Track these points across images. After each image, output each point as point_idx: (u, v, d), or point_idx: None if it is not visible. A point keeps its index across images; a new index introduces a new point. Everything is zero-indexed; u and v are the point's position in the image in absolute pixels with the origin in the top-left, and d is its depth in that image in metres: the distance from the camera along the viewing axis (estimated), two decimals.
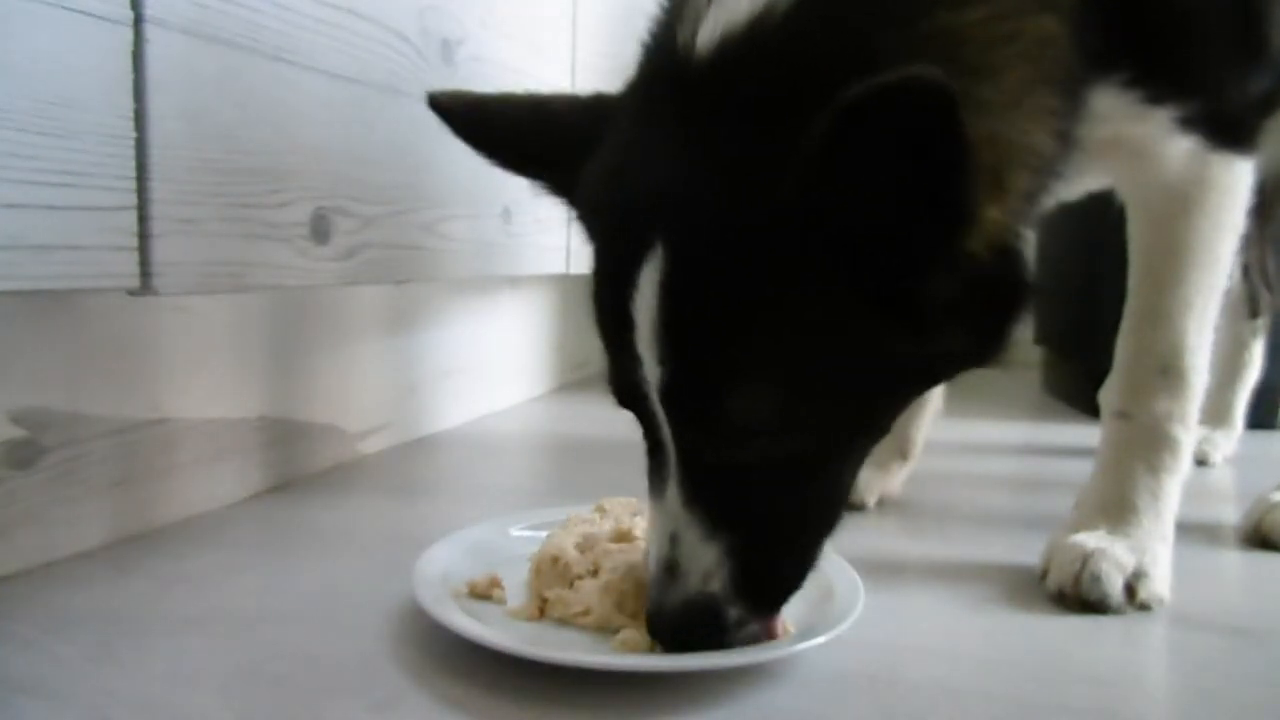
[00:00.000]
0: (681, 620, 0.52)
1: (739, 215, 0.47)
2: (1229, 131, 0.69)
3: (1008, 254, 0.51)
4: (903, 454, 0.97)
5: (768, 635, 0.54)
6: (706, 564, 0.52)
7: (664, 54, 0.53)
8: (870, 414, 0.54)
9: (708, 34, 0.49)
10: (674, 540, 0.52)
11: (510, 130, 0.63)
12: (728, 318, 0.48)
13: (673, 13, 0.54)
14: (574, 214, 0.60)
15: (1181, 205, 0.71)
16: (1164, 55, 0.66)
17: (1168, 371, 0.71)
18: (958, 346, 0.52)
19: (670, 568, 0.52)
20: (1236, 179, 0.71)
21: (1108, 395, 0.75)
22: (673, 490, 0.52)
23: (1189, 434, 0.72)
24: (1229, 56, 0.68)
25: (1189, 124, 0.67)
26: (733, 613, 0.52)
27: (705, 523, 0.51)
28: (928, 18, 0.49)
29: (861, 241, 0.46)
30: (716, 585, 0.52)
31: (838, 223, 0.45)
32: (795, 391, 0.49)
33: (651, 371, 0.50)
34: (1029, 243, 0.56)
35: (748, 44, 0.48)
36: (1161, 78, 0.66)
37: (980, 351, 0.53)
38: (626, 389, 0.53)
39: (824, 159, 0.43)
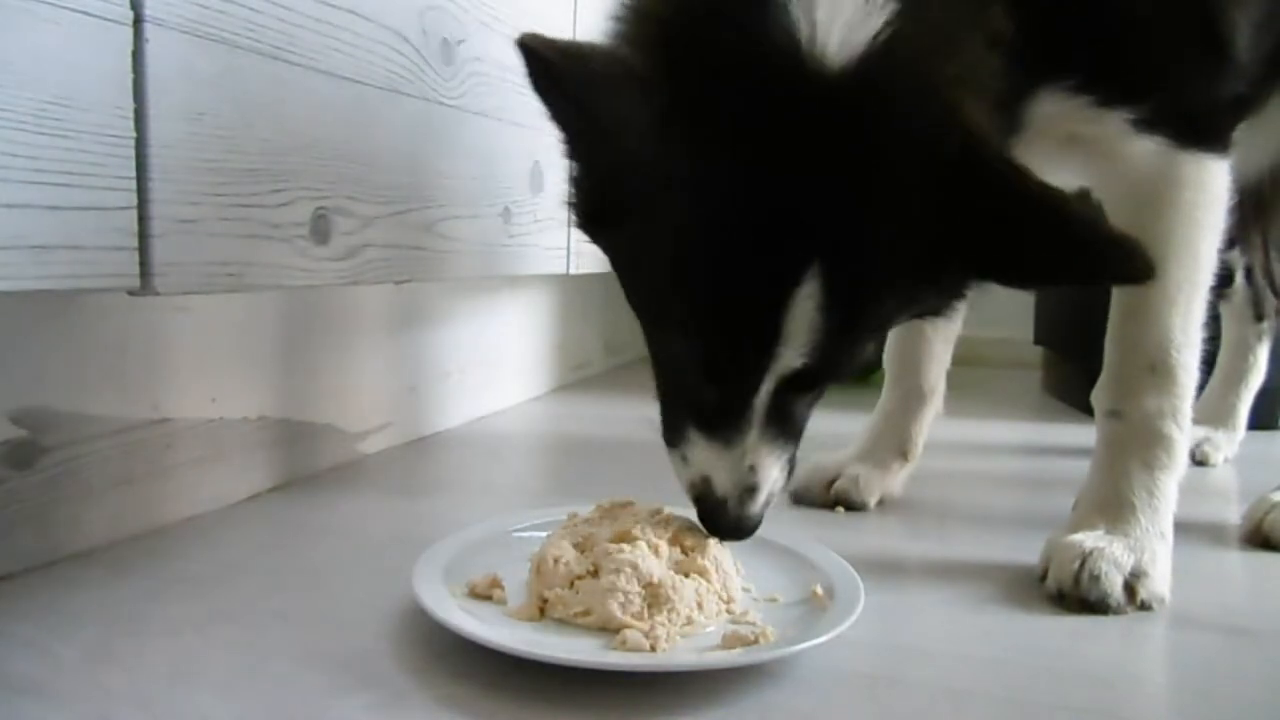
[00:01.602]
0: (759, 521, 0.63)
1: (887, 243, 0.55)
2: (1195, 132, 0.70)
3: None
4: (904, 454, 0.97)
5: None
6: (776, 481, 0.63)
7: (780, 55, 0.53)
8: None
9: (836, 45, 0.52)
10: (752, 470, 0.61)
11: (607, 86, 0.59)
12: (863, 320, 0.59)
13: (791, 6, 0.53)
14: (613, 188, 0.60)
15: (1155, 204, 0.71)
16: (1110, 60, 0.67)
17: (1156, 369, 0.72)
18: (936, 305, 0.66)
19: (749, 489, 0.62)
20: (1210, 178, 0.71)
21: (1099, 395, 0.75)
22: (753, 436, 0.61)
23: (1182, 431, 0.72)
24: (1184, 58, 0.68)
25: (1147, 125, 0.68)
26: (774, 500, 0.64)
27: (776, 450, 0.62)
28: (958, 61, 0.57)
29: (927, 235, 0.55)
30: (779, 486, 0.64)
31: (930, 235, 0.55)
32: (873, 345, 0.65)
33: (786, 363, 0.57)
34: None
35: (879, 66, 0.53)
36: (1109, 82, 0.67)
37: (942, 309, 0.67)
38: (734, 372, 0.59)
39: (951, 200, 0.53)
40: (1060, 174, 0.79)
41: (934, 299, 0.64)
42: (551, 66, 0.57)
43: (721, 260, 0.56)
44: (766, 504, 0.63)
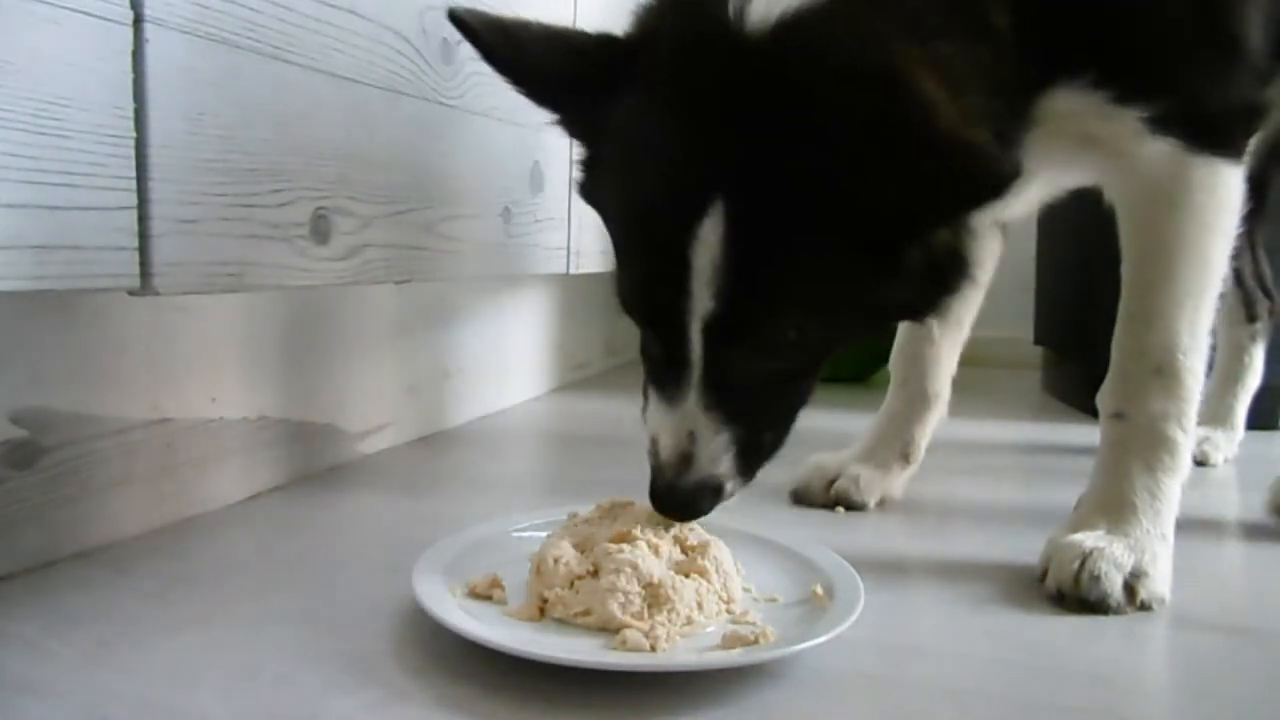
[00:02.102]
0: (693, 496, 0.63)
1: (787, 185, 0.57)
2: (1209, 136, 0.70)
3: (966, 234, 0.64)
4: (905, 457, 0.97)
5: None
6: (715, 452, 0.63)
7: (709, 21, 0.59)
8: (846, 337, 0.70)
9: (760, 13, 0.57)
10: (691, 436, 0.62)
11: (536, 57, 0.65)
12: (774, 261, 0.58)
13: None
14: (594, 154, 0.68)
15: (1165, 206, 0.71)
16: (1127, 56, 0.67)
17: (1162, 371, 0.71)
18: (913, 299, 0.65)
19: (685, 457, 0.63)
20: (1222, 182, 0.71)
21: (1104, 396, 0.75)
22: (693, 397, 0.62)
23: (1186, 434, 0.72)
24: (1197, 58, 0.68)
25: (1160, 125, 0.68)
26: (729, 486, 0.64)
27: (718, 421, 0.63)
28: (924, 47, 0.58)
29: (868, 204, 0.56)
30: (722, 468, 0.63)
31: (852, 187, 0.55)
32: (813, 317, 0.61)
33: (701, 304, 0.59)
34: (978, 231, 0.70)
35: (795, 32, 0.56)
36: (1126, 78, 0.67)
37: (924, 306, 0.67)
38: (660, 313, 0.62)
39: (837, 140, 0.54)
40: (1074, 174, 0.79)
41: (885, 279, 0.61)
42: (478, 39, 0.64)
43: (641, 197, 0.62)
44: (711, 489, 0.63)
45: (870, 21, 0.57)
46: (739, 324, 0.59)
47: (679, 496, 0.63)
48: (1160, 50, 0.68)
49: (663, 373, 0.64)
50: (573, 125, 0.69)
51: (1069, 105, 0.67)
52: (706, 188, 0.57)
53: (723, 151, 0.57)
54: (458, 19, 0.64)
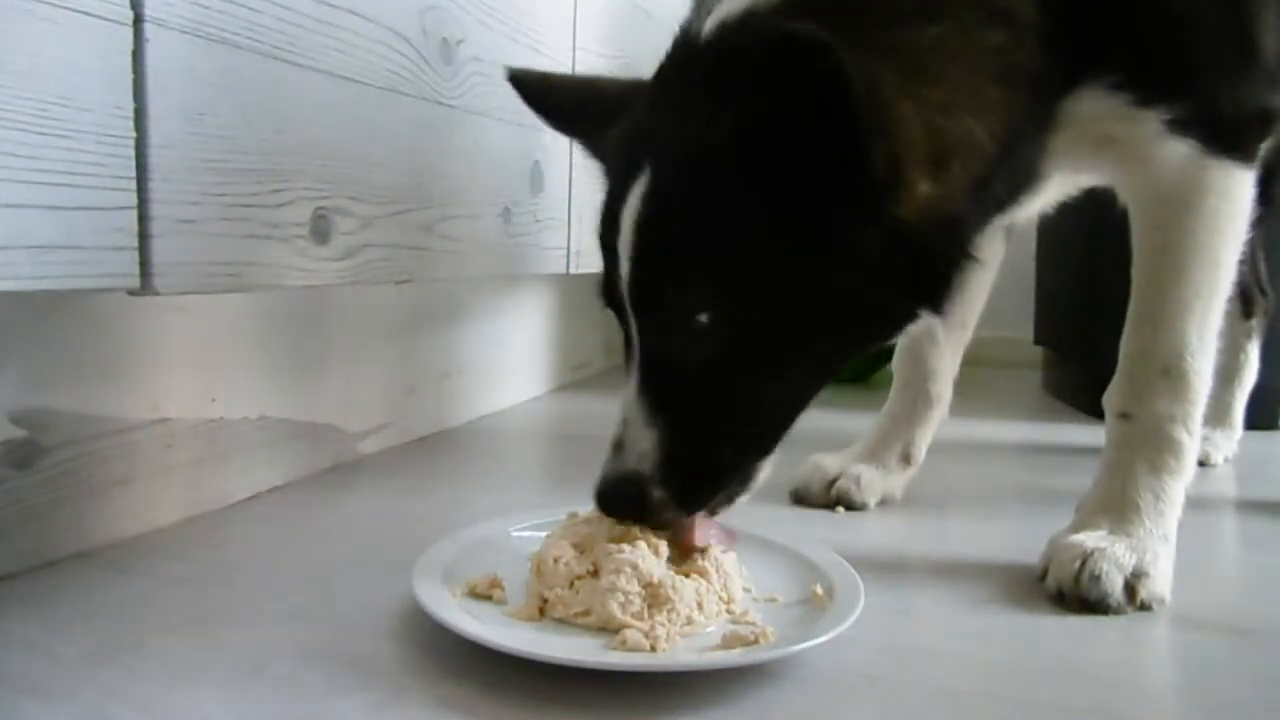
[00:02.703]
0: (613, 489, 0.62)
1: (699, 149, 0.58)
2: (1225, 139, 0.70)
3: (944, 228, 0.60)
4: (906, 458, 0.97)
5: (685, 540, 0.62)
6: (642, 446, 0.61)
7: (680, 40, 0.65)
8: (801, 345, 0.62)
9: (711, 23, 0.61)
10: (625, 423, 0.62)
11: (567, 101, 0.76)
12: (681, 226, 0.59)
13: (696, 8, 0.65)
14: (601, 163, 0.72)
15: (1179, 208, 0.71)
16: (1153, 58, 0.67)
17: (1169, 373, 0.71)
18: (886, 299, 0.61)
19: (618, 445, 0.62)
20: (1235, 185, 0.71)
21: (1111, 396, 0.75)
22: (632, 379, 0.62)
23: (1192, 436, 0.72)
24: (1220, 60, 0.69)
25: (1180, 127, 0.68)
26: (656, 494, 0.61)
27: (648, 410, 0.61)
28: (888, 31, 0.58)
29: (783, 178, 0.56)
30: (647, 466, 0.61)
31: (761, 160, 0.56)
32: (726, 297, 0.59)
33: (625, 269, 0.60)
34: (986, 228, 0.67)
35: (734, 31, 0.59)
36: (1150, 80, 0.67)
37: (908, 309, 0.62)
38: (609, 288, 0.63)
39: (740, 105, 0.55)
40: (1089, 175, 0.79)
41: (833, 267, 0.58)
42: (524, 88, 0.76)
43: (605, 189, 0.65)
44: (631, 484, 0.61)
45: (806, 10, 0.57)
46: (648, 290, 0.60)
47: (603, 485, 0.62)
48: (1188, 53, 0.68)
49: (625, 356, 0.65)
50: (593, 151, 0.74)
51: (1092, 107, 0.67)
52: (639, 163, 0.60)
53: (655, 131, 0.61)
54: (513, 76, 0.76)
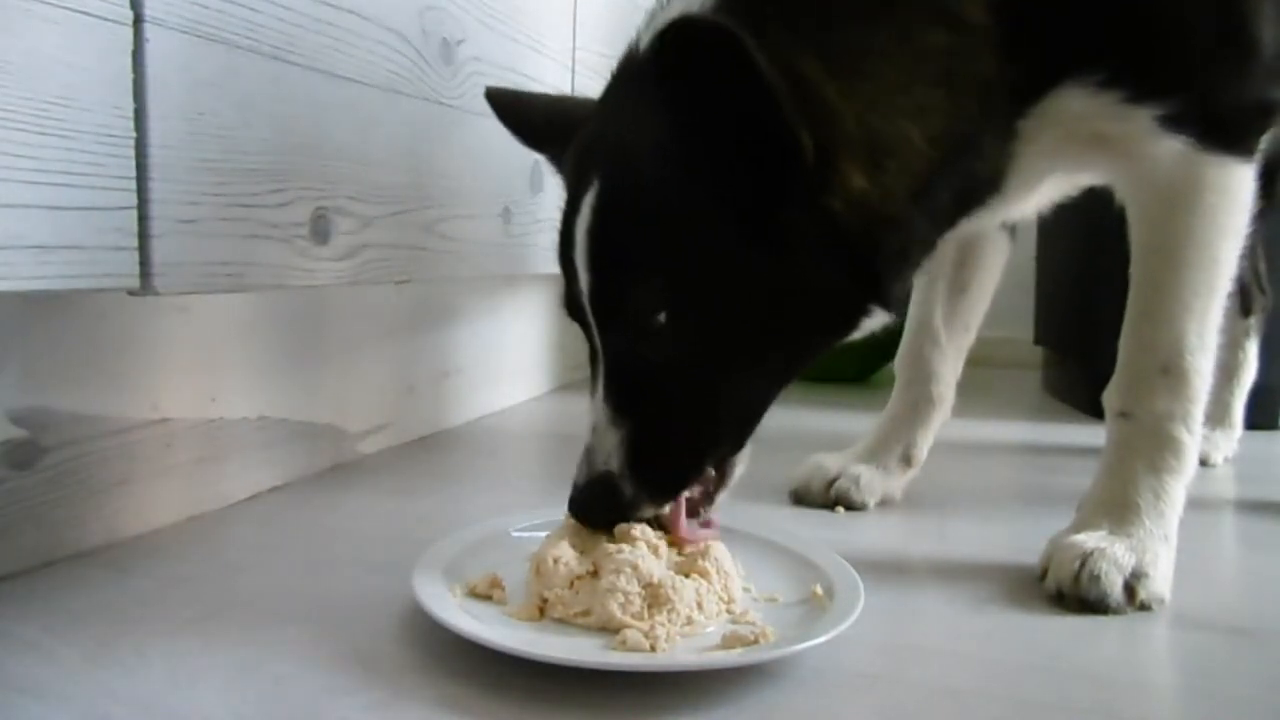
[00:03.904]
0: (584, 494, 0.63)
1: (640, 154, 0.60)
2: (1221, 134, 0.69)
3: (883, 228, 0.61)
4: (907, 460, 0.96)
5: (672, 527, 0.63)
6: (609, 447, 0.62)
7: (626, 51, 0.67)
8: (757, 339, 0.62)
9: (649, 33, 0.63)
10: (593, 429, 0.63)
11: (538, 119, 0.78)
12: (630, 231, 0.60)
13: (646, 20, 0.67)
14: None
15: (1176, 206, 0.71)
16: (1141, 55, 0.67)
17: (1169, 371, 0.71)
18: (831, 293, 0.61)
19: (588, 452, 0.63)
20: (1234, 181, 0.70)
21: (1110, 395, 0.74)
22: (599, 386, 0.63)
23: (1192, 435, 0.72)
24: (1214, 56, 0.68)
25: (1174, 123, 0.67)
26: (627, 490, 0.62)
27: (613, 413, 0.63)
28: (824, 30, 0.60)
29: (721, 174, 0.57)
30: (614, 465, 0.62)
31: (698, 158, 0.57)
32: (679, 295, 0.60)
33: (584, 279, 0.62)
34: (938, 234, 0.67)
35: (660, 34, 0.59)
36: (1139, 77, 0.67)
37: (856, 304, 0.63)
38: (571, 299, 0.65)
39: (668, 106, 0.56)
40: (1084, 174, 0.79)
41: (772, 258, 0.59)
42: (497, 106, 0.80)
43: (564, 203, 0.66)
44: (603, 486, 0.62)
45: (737, 11, 0.58)
46: (606, 296, 0.61)
47: (575, 493, 0.63)
48: (1177, 49, 0.67)
49: (590, 366, 0.66)
50: (557, 167, 0.76)
51: (1079, 105, 0.67)
52: (589, 175, 0.61)
53: (601, 142, 0.64)
54: (489, 95, 0.80)
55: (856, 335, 0.67)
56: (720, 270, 0.59)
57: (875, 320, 0.65)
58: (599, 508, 0.63)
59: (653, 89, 0.57)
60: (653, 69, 0.56)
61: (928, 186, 0.63)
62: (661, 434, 0.62)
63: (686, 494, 0.65)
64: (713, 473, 0.66)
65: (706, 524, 0.66)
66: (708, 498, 0.67)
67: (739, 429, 0.66)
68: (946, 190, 0.65)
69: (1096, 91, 0.66)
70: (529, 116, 0.79)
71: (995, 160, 0.68)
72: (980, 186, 0.69)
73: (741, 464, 0.68)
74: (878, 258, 0.61)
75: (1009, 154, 0.68)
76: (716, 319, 0.61)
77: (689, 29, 0.52)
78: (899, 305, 0.66)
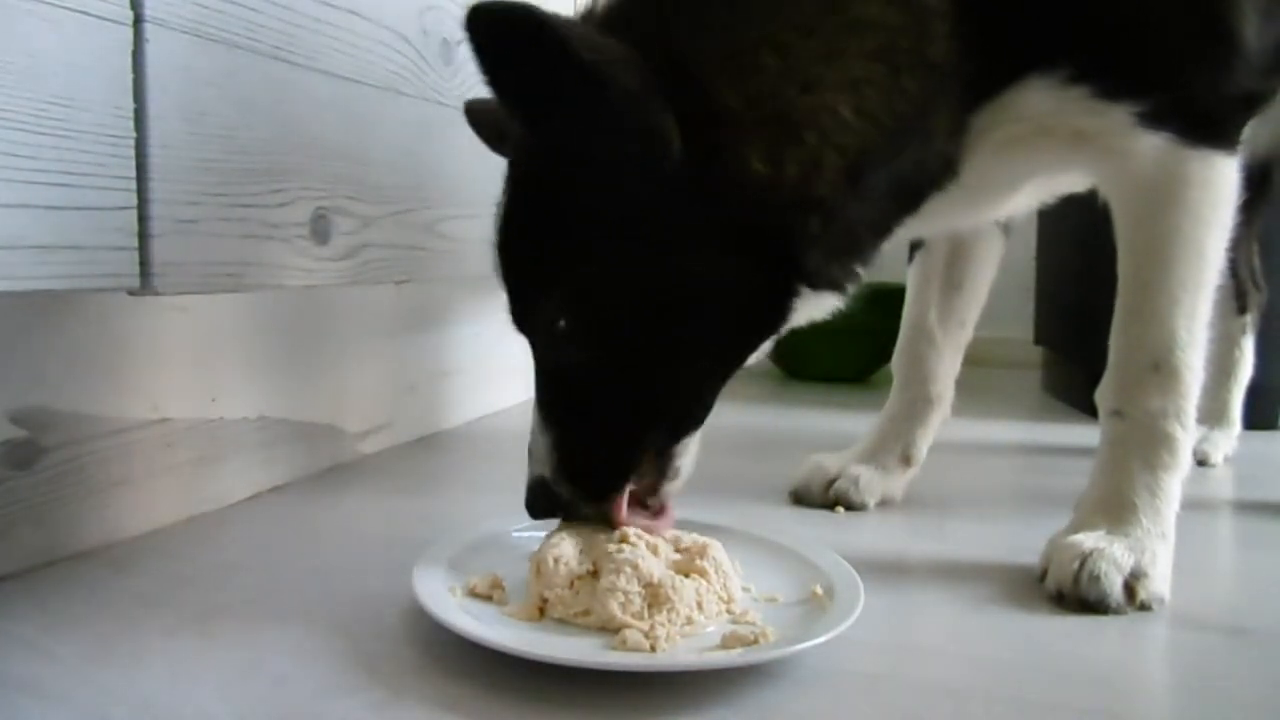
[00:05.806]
0: (528, 495, 0.65)
1: (523, 162, 0.62)
2: (1203, 128, 0.68)
3: (792, 207, 0.59)
4: (906, 460, 0.96)
5: (614, 519, 0.64)
6: (541, 452, 0.64)
7: None
8: (665, 340, 0.61)
9: None
10: (531, 434, 0.65)
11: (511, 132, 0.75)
12: (525, 240, 0.61)
13: None
14: None
15: (1159, 202, 0.70)
16: (1113, 52, 0.66)
17: (1160, 368, 0.71)
18: (736, 280, 0.60)
19: (529, 456, 0.65)
20: (1218, 175, 0.70)
21: (1103, 394, 0.74)
22: (539, 393, 0.65)
23: (1185, 431, 0.72)
24: (1191, 52, 0.67)
25: (1153, 119, 0.67)
26: (562, 492, 0.63)
27: (543, 418, 0.64)
28: (734, 8, 0.58)
29: (596, 169, 0.57)
30: (547, 469, 0.64)
31: (566, 156, 0.58)
32: (575, 300, 0.59)
33: (505, 293, 0.63)
34: (885, 222, 0.66)
35: None
36: (1111, 74, 0.66)
37: (773, 290, 0.61)
38: (511, 316, 0.65)
39: (528, 104, 0.57)
40: (1067, 172, 0.79)
41: (664, 250, 0.58)
42: (473, 119, 0.83)
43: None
44: (541, 487, 0.64)
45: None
46: (518, 309, 0.63)
47: (526, 496, 0.65)
48: (1156, 47, 0.66)
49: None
50: None
51: (1044, 103, 0.66)
52: (507, 179, 0.63)
53: (513, 154, 0.64)
54: (468, 109, 0.82)
55: (806, 319, 0.66)
56: (614, 272, 0.59)
57: (822, 303, 0.65)
58: (540, 511, 0.65)
59: (490, 85, 0.56)
60: (477, 65, 0.54)
61: (862, 164, 0.61)
62: (584, 437, 0.63)
63: (631, 487, 0.65)
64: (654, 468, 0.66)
65: (660, 512, 0.67)
66: (652, 490, 0.67)
67: (671, 426, 0.65)
68: (887, 172, 0.63)
69: (1064, 87, 0.65)
70: (504, 129, 0.76)
71: (947, 149, 0.66)
72: (929, 176, 0.67)
73: (684, 457, 0.66)
74: (795, 241, 0.60)
75: (960, 145, 0.67)
76: (615, 323, 0.60)
77: (482, 14, 0.49)
78: (838, 284, 0.64)
